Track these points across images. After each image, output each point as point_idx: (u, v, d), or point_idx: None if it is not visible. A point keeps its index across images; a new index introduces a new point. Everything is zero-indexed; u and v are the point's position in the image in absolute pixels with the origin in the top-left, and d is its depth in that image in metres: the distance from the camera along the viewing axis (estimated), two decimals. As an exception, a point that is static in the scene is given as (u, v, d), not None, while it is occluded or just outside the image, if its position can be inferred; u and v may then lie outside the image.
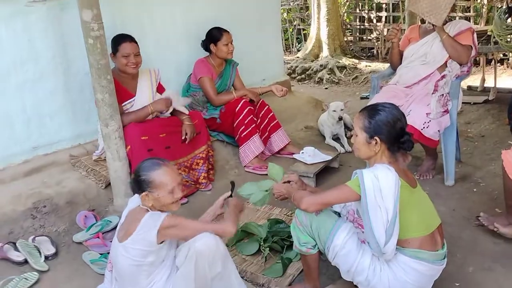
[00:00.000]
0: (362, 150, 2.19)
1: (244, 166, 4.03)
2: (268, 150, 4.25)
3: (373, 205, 2.01)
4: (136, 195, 2.41)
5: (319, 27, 8.63)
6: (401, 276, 2.10)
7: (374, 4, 8.86)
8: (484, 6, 7.69)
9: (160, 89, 3.69)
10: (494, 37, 4.97)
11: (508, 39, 4.85)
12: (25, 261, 2.81)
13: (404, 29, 5.47)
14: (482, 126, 4.84)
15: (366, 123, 2.14)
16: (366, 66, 8.25)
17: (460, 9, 7.88)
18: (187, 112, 3.69)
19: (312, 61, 8.52)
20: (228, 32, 4.08)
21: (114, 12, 3.68)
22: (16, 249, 2.88)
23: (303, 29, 9.78)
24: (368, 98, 4.33)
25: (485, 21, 7.62)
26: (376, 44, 8.83)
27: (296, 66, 8.35)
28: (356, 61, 8.50)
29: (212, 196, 3.53)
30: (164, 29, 4.18)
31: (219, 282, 2.23)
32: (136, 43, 3.46)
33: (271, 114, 4.26)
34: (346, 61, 8.35)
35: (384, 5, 8.69)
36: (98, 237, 2.99)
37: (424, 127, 3.32)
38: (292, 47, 9.86)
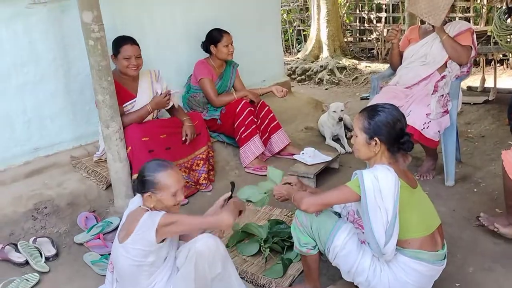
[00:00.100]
0: (362, 151, 2.19)
1: (245, 167, 4.04)
2: (269, 151, 4.26)
3: (373, 205, 2.01)
4: (137, 196, 2.42)
5: (319, 28, 8.64)
6: (401, 277, 2.10)
7: (374, 5, 8.87)
8: (484, 7, 7.70)
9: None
10: (494, 38, 4.97)
11: (508, 40, 4.85)
12: (26, 262, 2.81)
13: (404, 30, 5.48)
14: (482, 127, 4.84)
15: (365, 124, 2.15)
16: (366, 66, 8.25)
17: (460, 10, 7.89)
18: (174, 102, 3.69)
19: (312, 62, 8.53)
20: (228, 33, 4.09)
21: (115, 14, 3.69)
22: (17, 250, 2.88)
23: (303, 30, 9.79)
24: (368, 98, 4.33)
25: (485, 22, 7.63)
26: (376, 44, 8.84)
27: (296, 67, 8.36)
28: (356, 61, 8.50)
29: (213, 197, 3.54)
30: (164, 30, 4.19)
31: (219, 283, 2.23)
32: (138, 45, 3.47)
33: (271, 115, 4.27)
34: (346, 62, 8.36)
35: (384, 6, 8.70)
36: (99, 238, 2.99)
37: (424, 128, 3.32)
38: (292, 48, 9.87)
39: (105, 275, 2.51)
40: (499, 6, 6.91)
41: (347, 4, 9.23)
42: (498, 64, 6.92)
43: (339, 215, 2.37)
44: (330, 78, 7.91)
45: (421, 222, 2.14)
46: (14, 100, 3.35)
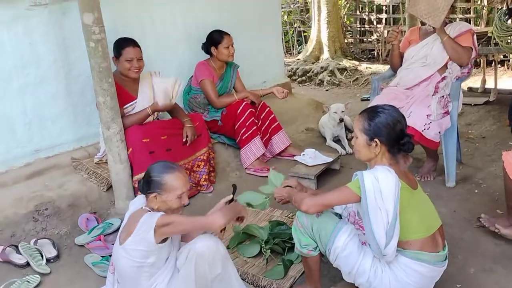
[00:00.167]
0: (362, 152, 2.19)
1: (245, 168, 4.04)
2: (269, 152, 4.26)
3: (373, 206, 2.01)
4: (137, 197, 2.43)
5: (320, 29, 8.65)
6: (402, 278, 2.10)
7: (374, 6, 8.87)
8: (484, 8, 7.70)
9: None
10: (494, 39, 4.97)
11: (509, 41, 4.84)
12: (27, 264, 2.82)
13: (404, 31, 5.49)
14: (483, 128, 4.84)
15: (366, 125, 2.15)
16: (366, 68, 8.25)
17: (460, 11, 7.89)
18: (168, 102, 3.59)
19: (313, 63, 8.54)
20: (229, 35, 4.09)
21: (115, 15, 3.69)
22: (18, 252, 2.88)
23: (304, 31, 9.79)
24: (369, 100, 4.33)
25: (485, 23, 7.63)
26: (377, 46, 8.84)
27: (297, 68, 8.36)
28: (357, 63, 8.50)
29: (213, 198, 3.54)
30: (165, 32, 4.19)
31: (219, 283, 2.24)
32: (139, 47, 3.47)
33: (272, 116, 4.27)
34: (346, 63, 8.36)
35: (384, 7, 8.70)
36: (100, 240, 2.99)
37: (424, 129, 3.32)
38: (293, 49, 9.88)
39: (106, 277, 2.51)
40: (500, 7, 6.91)
41: (348, 5, 9.23)
42: (499, 65, 6.93)
43: (340, 216, 2.36)
44: (330, 79, 7.91)
45: (422, 223, 2.14)
46: (15, 101, 3.35)
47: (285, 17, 9.89)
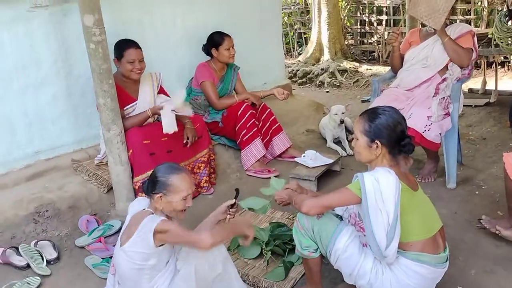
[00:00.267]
0: (363, 154, 2.19)
1: (246, 169, 4.04)
2: (270, 154, 4.26)
3: (373, 208, 2.01)
4: (138, 199, 2.43)
5: (320, 31, 8.65)
6: (403, 279, 2.10)
7: (375, 8, 8.88)
8: (484, 9, 7.70)
9: (161, 92, 3.70)
10: (494, 40, 4.97)
11: (509, 42, 4.84)
12: (27, 266, 2.81)
13: (405, 33, 5.49)
14: (484, 129, 4.84)
15: (366, 127, 2.15)
16: (367, 69, 8.25)
17: (460, 12, 7.88)
18: (189, 114, 3.58)
19: (313, 64, 8.53)
20: (230, 36, 4.09)
21: (116, 17, 3.69)
22: (18, 253, 2.88)
23: (304, 33, 9.79)
24: (369, 101, 4.33)
25: (486, 24, 7.62)
26: (377, 47, 8.84)
27: (297, 70, 8.36)
28: (357, 64, 8.50)
29: (214, 199, 3.54)
30: (166, 33, 4.19)
31: (219, 284, 2.23)
32: (141, 49, 3.48)
33: (272, 118, 4.27)
34: (347, 64, 8.36)
35: (384, 9, 8.70)
36: (100, 242, 2.99)
37: (425, 130, 3.32)
38: (293, 51, 9.88)
39: (106, 278, 2.51)
40: (500, 9, 6.91)
41: (348, 7, 9.24)
42: (499, 67, 6.92)
43: (340, 217, 2.36)
44: (331, 80, 7.91)
45: (423, 224, 2.13)
46: (16, 103, 3.35)
47: (286, 18, 9.89)
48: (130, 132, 3.36)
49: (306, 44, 9.40)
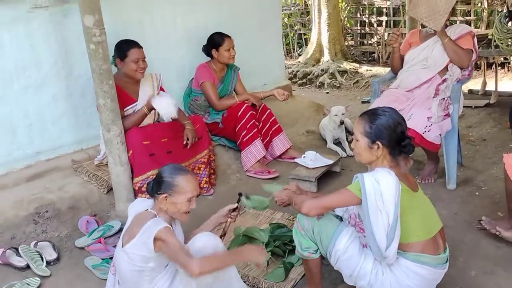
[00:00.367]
0: (363, 155, 2.18)
1: (246, 170, 4.04)
2: (270, 155, 4.26)
3: (373, 208, 2.01)
4: (138, 200, 2.43)
5: (320, 32, 8.65)
6: (403, 280, 2.10)
7: (375, 9, 8.88)
8: (484, 10, 7.70)
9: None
10: (495, 41, 4.97)
11: (509, 43, 4.84)
12: (27, 267, 2.81)
13: (405, 34, 5.48)
14: (484, 130, 4.84)
15: (367, 128, 2.14)
16: (367, 70, 8.25)
17: (460, 13, 7.89)
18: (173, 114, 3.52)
19: (313, 65, 8.53)
20: (230, 37, 4.09)
21: (116, 18, 3.69)
22: (18, 254, 2.88)
23: (304, 34, 9.79)
24: (369, 102, 4.33)
25: (486, 25, 7.62)
26: (377, 48, 8.84)
27: (297, 71, 8.36)
28: (357, 65, 8.50)
29: (214, 200, 3.54)
30: (166, 34, 4.19)
31: (219, 284, 2.23)
32: (142, 48, 3.48)
33: (272, 118, 4.27)
34: (347, 65, 8.36)
35: (384, 10, 8.70)
36: (100, 242, 2.99)
37: (425, 131, 3.32)
38: (293, 52, 9.88)
39: (106, 279, 2.51)
40: (500, 10, 6.92)
41: (348, 8, 9.24)
42: (499, 68, 6.93)
43: (340, 218, 2.36)
44: (331, 81, 7.91)
45: (423, 225, 2.13)
46: (16, 103, 3.35)
47: (286, 19, 9.89)
48: (130, 132, 3.36)
49: (306, 45, 9.40)
